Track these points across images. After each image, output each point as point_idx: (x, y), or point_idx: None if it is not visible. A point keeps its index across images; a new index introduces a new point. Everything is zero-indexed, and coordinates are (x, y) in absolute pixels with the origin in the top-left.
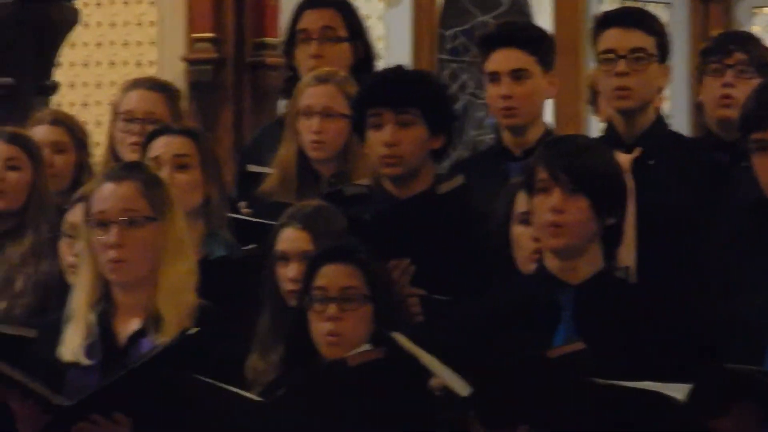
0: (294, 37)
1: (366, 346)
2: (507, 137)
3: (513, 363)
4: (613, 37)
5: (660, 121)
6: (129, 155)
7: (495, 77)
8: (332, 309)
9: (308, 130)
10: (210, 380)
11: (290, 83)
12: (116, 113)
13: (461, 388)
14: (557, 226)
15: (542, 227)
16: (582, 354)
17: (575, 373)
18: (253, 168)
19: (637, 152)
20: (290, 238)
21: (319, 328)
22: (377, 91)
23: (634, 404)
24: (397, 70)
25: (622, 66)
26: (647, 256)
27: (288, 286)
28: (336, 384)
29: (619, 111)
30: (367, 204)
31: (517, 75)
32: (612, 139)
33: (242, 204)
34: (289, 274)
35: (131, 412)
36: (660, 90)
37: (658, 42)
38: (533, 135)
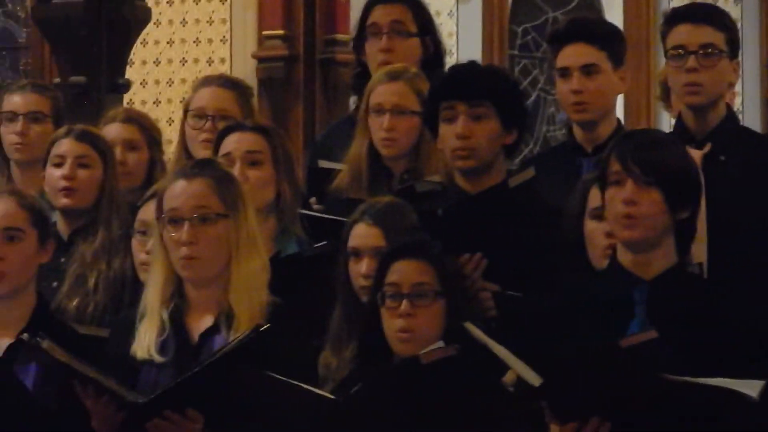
0: (364, 32)
1: (439, 343)
2: (578, 133)
3: (586, 352)
4: (682, 33)
5: (731, 117)
6: (201, 152)
7: (566, 73)
8: (404, 305)
9: (379, 127)
10: (282, 377)
11: (360, 79)
12: (188, 110)
13: (534, 378)
14: (630, 218)
15: (615, 219)
16: (655, 343)
17: (648, 365)
18: (324, 164)
19: (707, 148)
20: (362, 234)
21: (392, 324)
22: (451, 85)
23: (707, 401)
24: (471, 65)
25: (692, 62)
26: (719, 253)
27: (360, 282)
28: (409, 381)
29: (689, 107)
30: (439, 200)
31: (588, 70)
32: (682, 134)
33: (313, 200)
34: (361, 270)
35: (204, 408)
36: (731, 86)
37: (728, 37)
38: (604, 130)
